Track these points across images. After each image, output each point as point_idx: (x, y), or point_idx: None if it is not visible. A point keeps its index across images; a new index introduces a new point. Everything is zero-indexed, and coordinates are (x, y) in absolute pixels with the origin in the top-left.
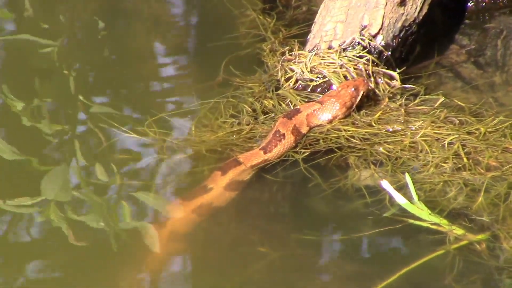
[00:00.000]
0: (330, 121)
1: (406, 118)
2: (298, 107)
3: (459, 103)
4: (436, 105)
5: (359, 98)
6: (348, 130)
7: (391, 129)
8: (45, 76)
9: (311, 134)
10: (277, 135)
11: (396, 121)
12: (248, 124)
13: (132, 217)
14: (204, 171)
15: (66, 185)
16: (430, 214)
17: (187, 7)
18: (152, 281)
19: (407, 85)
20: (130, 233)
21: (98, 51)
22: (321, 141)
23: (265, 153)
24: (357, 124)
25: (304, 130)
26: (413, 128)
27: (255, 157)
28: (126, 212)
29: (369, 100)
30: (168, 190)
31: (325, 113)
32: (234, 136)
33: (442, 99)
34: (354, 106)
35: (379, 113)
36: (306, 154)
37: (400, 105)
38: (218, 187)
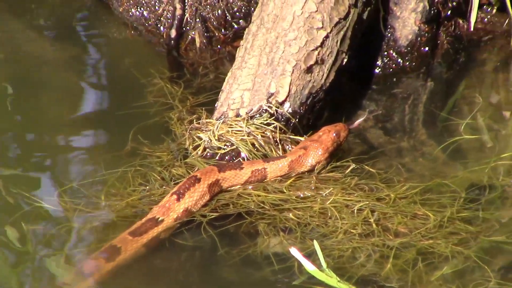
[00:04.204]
0: (313, 167)
1: (317, 184)
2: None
3: (370, 169)
4: (346, 172)
5: (340, 143)
6: (259, 196)
7: (301, 195)
8: None
9: (221, 197)
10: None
11: (307, 187)
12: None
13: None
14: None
15: None
16: (339, 281)
17: (95, 77)
18: None
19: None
20: None
21: (8, 117)
22: (231, 205)
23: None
24: (268, 190)
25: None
26: (324, 195)
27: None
28: None
29: None
30: (78, 257)
31: (309, 159)
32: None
33: (352, 165)
34: (335, 152)
35: (291, 180)
36: (212, 217)
37: (301, 172)
38: (170, 218)
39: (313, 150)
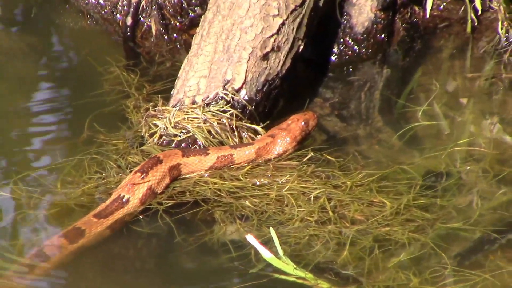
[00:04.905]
0: (280, 155)
1: (273, 172)
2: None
3: (328, 157)
4: (304, 160)
5: (308, 132)
6: (215, 183)
7: (258, 183)
8: None
9: (177, 185)
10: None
11: (264, 175)
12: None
13: None
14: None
15: None
16: (295, 268)
17: (51, 66)
18: None
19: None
20: None
21: None
22: (187, 193)
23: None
24: (224, 177)
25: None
26: (280, 182)
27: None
28: None
29: None
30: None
31: (277, 147)
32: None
33: (310, 154)
34: (303, 140)
35: (248, 167)
36: (169, 204)
37: (268, 159)
38: (135, 198)
39: (281, 138)
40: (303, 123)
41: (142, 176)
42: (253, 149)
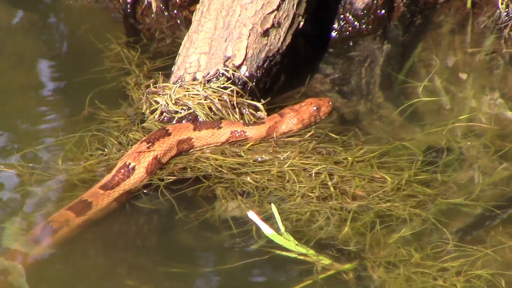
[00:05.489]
0: (284, 133)
1: (275, 148)
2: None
3: (329, 133)
4: (306, 137)
5: (319, 118)
6: (216, 159)
7: (259, 159)
8: None
9: (179, 161)
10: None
11: (265, 151)
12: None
13: None
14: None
15: None
16: (297, 244)
17: (51, 42)
18: None
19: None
20: None
21: None
22: (189, 169)
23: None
24: (225, 153)
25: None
26: (282, 158)
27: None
28: None
29: None
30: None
31: (283, 125)
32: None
33: (312, 131)
34: (312, 124)
35: (250, 144)
36: (170, 180)
37: (272, 137)
38: (141, 166)
39: (288, 118)
40: (314, 108)
41: (148, 145)
42: (264, 128)
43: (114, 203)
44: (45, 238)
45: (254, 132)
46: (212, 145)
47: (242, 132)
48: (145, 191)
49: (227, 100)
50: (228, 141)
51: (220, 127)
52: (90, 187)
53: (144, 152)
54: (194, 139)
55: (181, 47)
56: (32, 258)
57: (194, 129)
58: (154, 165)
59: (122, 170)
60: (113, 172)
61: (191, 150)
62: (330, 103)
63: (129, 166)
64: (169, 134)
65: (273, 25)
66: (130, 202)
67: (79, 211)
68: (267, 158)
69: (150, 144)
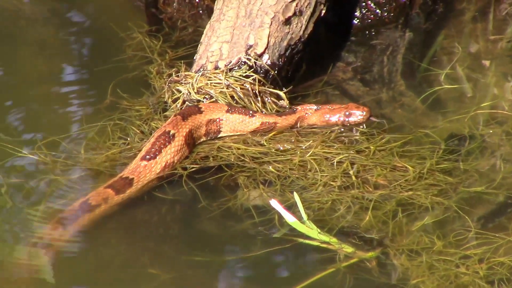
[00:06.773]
0: (309, 125)
1: (297, 137)
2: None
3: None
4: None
5: (347, 122)
6: (239, 149)
7: (281, 148)
8: None
9: (201, 150)
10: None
11: (287, 140)
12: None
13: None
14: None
15: None
16: (319, 232)
17: (73, 31)
18: None
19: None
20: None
21: None
22: (211, 158)
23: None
24: (247, 143)
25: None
26: (303, 147)
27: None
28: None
29: None
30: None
31: (313, 117)
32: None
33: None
34: (338, 125)
35: (272, 133)
36: (193, 169)
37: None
38: (180, 135)
39: (318, 115)
40: (346, 113)
41: (183, 118)
42: (294, 118)
43: (155, 179)
44: (82, 215)
45: (284, 122)
46: (238, 133)
47: (273, 124)
48: (167, 181)
49: (249, 89)
50: (256, 131)
51: (253, 116)
52: (113, 176)
53: (181, 122)
54: (224, 121)
55: (203, 35)
56: (56, 247)
57: (227, 111)
58: (190, 138)
59: (162, 137)
60: (152, 139)
61: (217, 135)
62: (365, 114)
63: (169, 133)
64: (201, 112)
65: (295, 13)
66: (153, 192)
67: (119, 189)
68: (289, 147)
69: (185, 117)
